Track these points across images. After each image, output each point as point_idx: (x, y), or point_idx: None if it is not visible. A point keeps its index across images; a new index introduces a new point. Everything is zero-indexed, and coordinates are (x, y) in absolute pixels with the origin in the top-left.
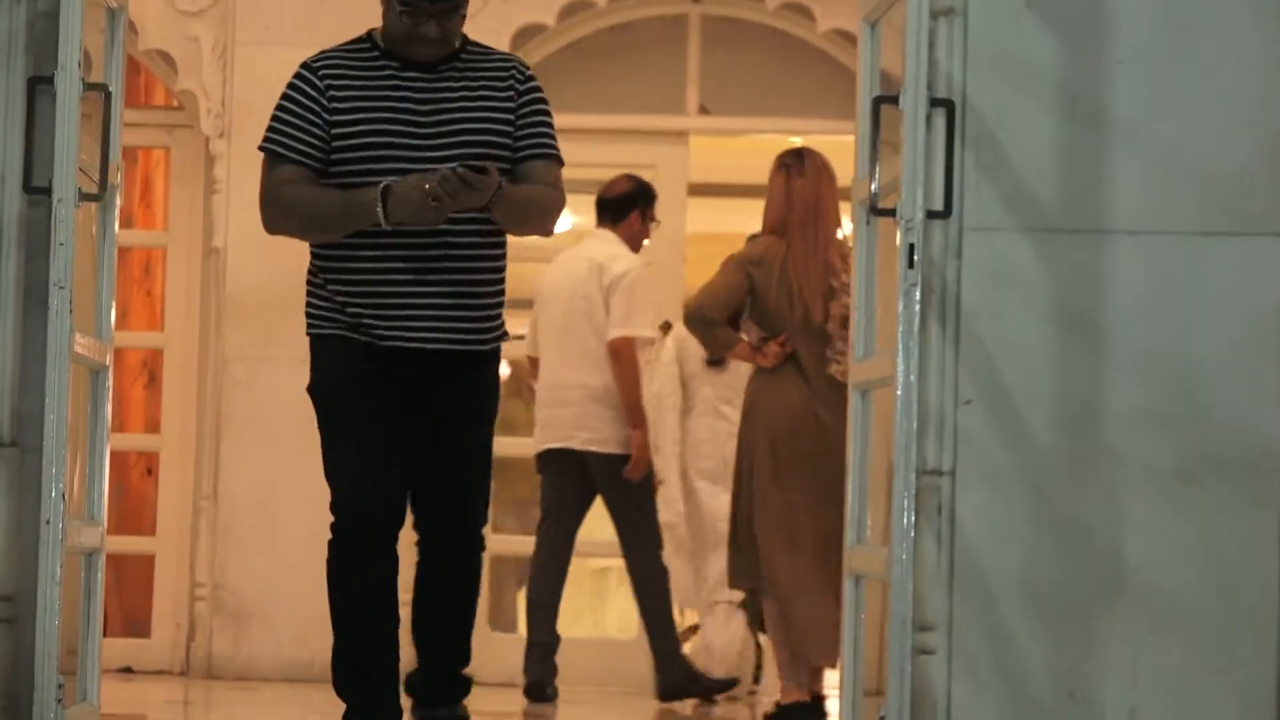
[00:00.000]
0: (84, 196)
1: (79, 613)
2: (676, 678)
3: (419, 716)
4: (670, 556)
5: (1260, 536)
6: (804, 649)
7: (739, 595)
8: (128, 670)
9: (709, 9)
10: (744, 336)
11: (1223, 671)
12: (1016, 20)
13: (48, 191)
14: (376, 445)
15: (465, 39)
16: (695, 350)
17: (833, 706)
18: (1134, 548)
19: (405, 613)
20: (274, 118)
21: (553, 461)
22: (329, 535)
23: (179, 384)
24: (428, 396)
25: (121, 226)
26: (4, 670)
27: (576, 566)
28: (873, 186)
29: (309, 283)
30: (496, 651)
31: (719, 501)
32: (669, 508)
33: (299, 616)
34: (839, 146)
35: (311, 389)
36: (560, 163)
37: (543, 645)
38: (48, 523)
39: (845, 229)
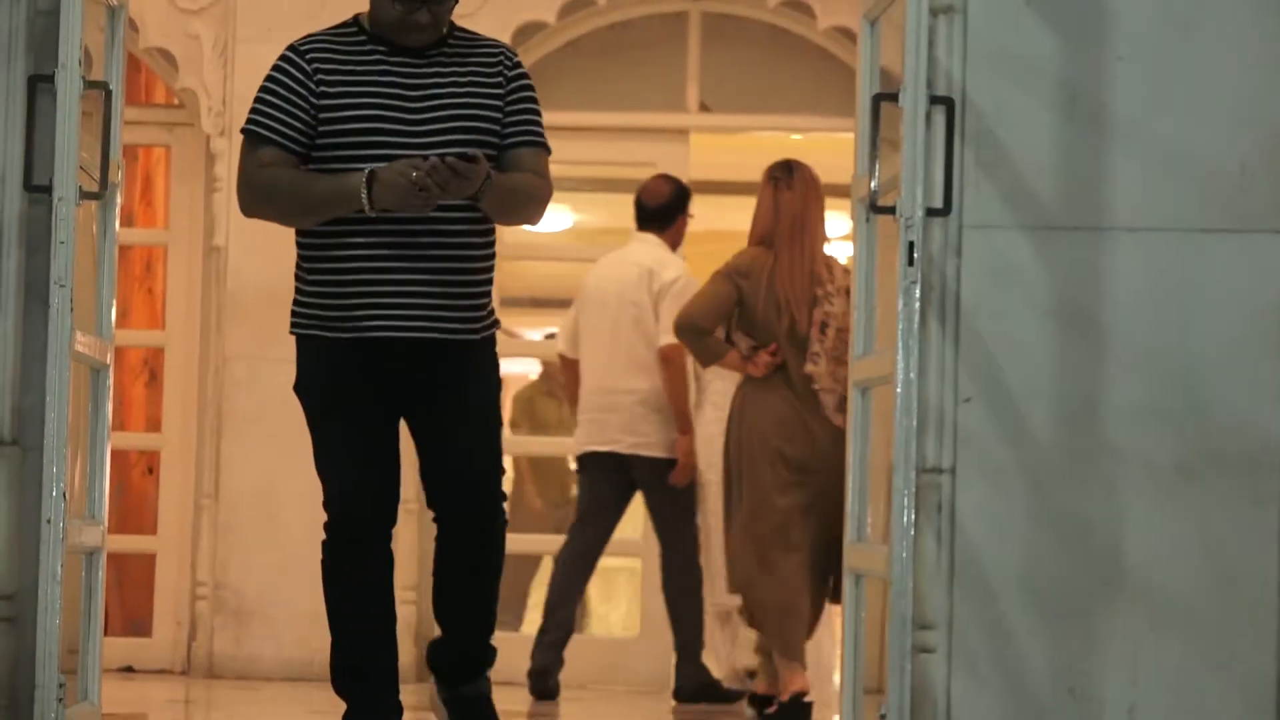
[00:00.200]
0: (85, 195)
1: (80, 612)
2: (696, 682)
3: (442, 694)
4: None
5: (1260, 532)
6: (780, 637)
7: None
8: (129, 669)
9: (709, 6)
10: (735, 345)
11: (1223, 667)
12: (1016, 18)
13: (48, 190)
14: (362, 444)
15: (452, 24)
16: None
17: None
18: (1134, 544)
19: (404, 611)
20: (258, 99)
21: (595, 464)
22: (324, 535)
23: (180, 382)
24: (420, 390)
25: (122, 225)
26: (5, 669)
27: None
28: (872, 184)
29: (296, 279)
30: (501, 650)
31: None
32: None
33: (300, 615)
34: (839, 144)
35: (297, 387)
36: (548, 151)
37: (555, 632)
38: (48, 521)
39: (831, 238)
